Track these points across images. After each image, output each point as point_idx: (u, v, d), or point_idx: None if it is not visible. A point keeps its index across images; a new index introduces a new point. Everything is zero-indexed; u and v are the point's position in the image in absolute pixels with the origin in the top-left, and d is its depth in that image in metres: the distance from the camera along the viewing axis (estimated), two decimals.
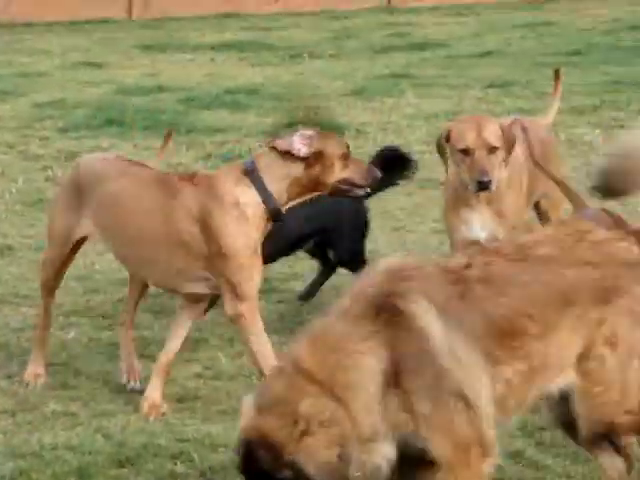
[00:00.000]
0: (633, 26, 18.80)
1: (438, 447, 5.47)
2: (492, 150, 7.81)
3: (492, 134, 7.83)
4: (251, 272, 7.46)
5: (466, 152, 7.79)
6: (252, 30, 19.36)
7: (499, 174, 7.85)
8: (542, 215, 8.84)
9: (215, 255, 7.42)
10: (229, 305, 7.46)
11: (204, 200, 7.44)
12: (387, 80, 15.95)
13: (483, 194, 7.90)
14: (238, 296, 7.43)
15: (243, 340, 7.60)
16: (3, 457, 7.03)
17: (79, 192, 7.81)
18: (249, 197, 7.43)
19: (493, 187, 7.77)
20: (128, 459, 6.99)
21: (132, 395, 7.79)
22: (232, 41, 18.46)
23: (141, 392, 7.74)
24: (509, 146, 7.88)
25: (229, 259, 7.40)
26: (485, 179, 7.72)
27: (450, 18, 20.46)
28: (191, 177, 7.62)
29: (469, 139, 7.81)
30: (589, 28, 19.05)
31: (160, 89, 15.45)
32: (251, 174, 7.45)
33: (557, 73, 9.59)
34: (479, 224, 8.05)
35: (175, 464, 6.84)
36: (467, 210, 8.04)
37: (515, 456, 6.92)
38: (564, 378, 5.72)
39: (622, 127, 13.23)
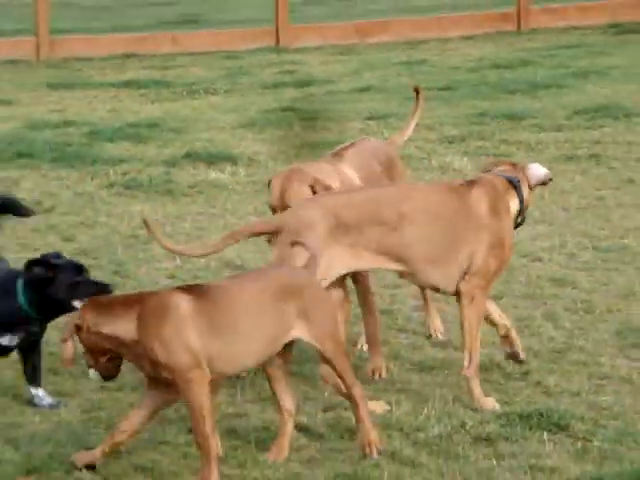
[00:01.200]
0: (496, 65, 18.92)
1: None
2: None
3: (294, 196, 7.59)
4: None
5: (273, 209, 7.70)
6: (151, 69, 19.29)
7: None
8: None
9: (490, 246, 7.60)
10: (464, 283, 7.60)
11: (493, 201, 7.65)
12: (276, 113, 15.94)
13: None
14: (479, 275, 7.60)
15: (463, 316, 7.64)
16: None
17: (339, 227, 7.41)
18: (515, 204, 7.76)
19: None
20: (35, 468, 6.93)
21: (39, 408, 7.70)
22: (133, 79, 18.36)
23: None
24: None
25: (502, 249, 7.63)
26: None
27: (333, 57, 20.49)
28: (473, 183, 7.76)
29: (273, 199, 7.70)
30: (457, 66, 19.15)
31: (66, 124, 15.33)
32: (517, 187, 7.76)
33: (417, 91, 9.15)
34: None
35: (80, 471, 6.80)
36: None
37: (392, 455, 6.94)
38: None
39: (487, 154, 13.33)
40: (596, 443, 7.03)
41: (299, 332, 6.78)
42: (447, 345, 8.53)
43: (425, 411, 7.44)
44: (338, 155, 8.25)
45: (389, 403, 7.56)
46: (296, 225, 7.23)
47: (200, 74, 18.94)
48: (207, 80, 18.40)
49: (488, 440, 7.09)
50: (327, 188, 7.62)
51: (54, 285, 7.60)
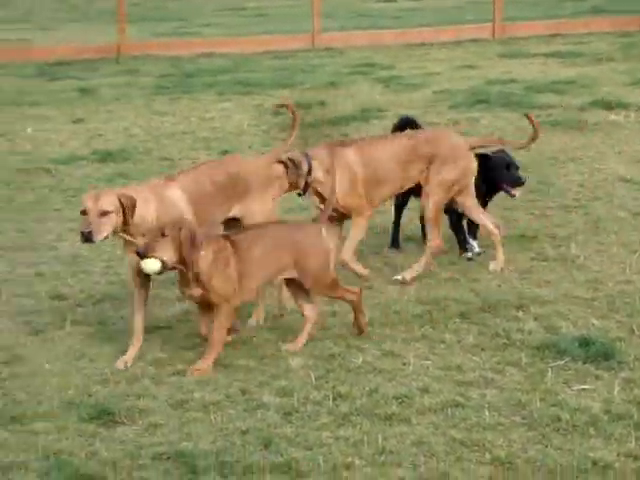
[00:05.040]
0: None
1: None
2: (104, 213, 6.14)
3: (106, 203, 6.13)
4: None
5: (84, 212, 6.18)
6: (568, 44, 18.73)
7: (109, 230, 6.16)
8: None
9: None
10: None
11: None
12: None
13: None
14: None
15: None
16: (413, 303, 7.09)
17: None
18: None
19: (95, 238, 6.10)
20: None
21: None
22: (556, 51, 17.89)
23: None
24: (129, 209, 6.18)
25: None
26: (86, 230, 6.13)
27: None
28: None
29: (87, 204, 6.17)
30: None
31: (511, 81, 15.18)
32: None
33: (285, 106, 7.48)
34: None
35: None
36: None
37: None
38: None
39: None
40: None
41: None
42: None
43: None
44: (170, 178, 6.64)
45: None
46: None
47: (603, 48, 18.28)
48: (607, 51, 17.76)
49: None
50: (131, 200, 6.21)
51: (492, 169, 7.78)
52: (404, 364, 6.03)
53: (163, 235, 5.89)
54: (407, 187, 7.66)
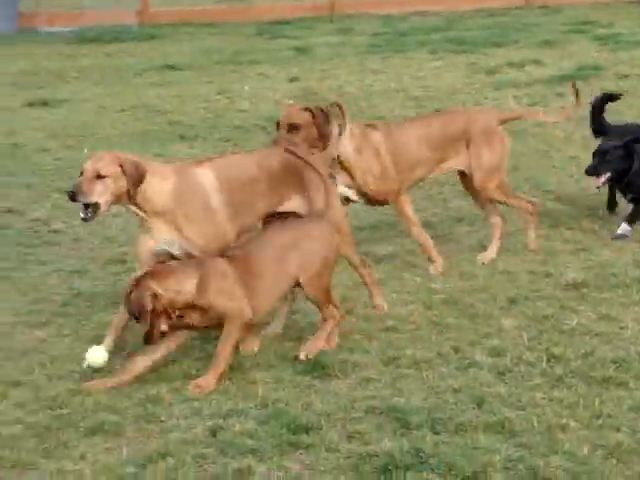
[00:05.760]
0: None
1: None
2: (99, 177, 5.50)
3: (104, 166, 5.54)
4: None
5: (82, 174, 5.60)
6: None
7: (105, 196, 5.54)
8: None
9: None
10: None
11: None
12: None
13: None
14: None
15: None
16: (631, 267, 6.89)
17: None
18: None
19: (79, 198, 5.52)
20: None
21: None
22: None
23: None
24: (132, 177, 5.56)
25: None
26: (70, 188, 5.58)
27: None
28: None
29: (85, 165, 5.60)
30: None
31: None
32: None
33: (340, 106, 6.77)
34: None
35: None
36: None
37: None
38: None
39: None
40: None
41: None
42: None
43: None
44: (206, 159, 6.05)
45: None
46: None
47: None
48: None
49: None
50: (138, 168, 5.58)
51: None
52: (621, 328, 5.90)
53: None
54: (442, 171, 7.20)
